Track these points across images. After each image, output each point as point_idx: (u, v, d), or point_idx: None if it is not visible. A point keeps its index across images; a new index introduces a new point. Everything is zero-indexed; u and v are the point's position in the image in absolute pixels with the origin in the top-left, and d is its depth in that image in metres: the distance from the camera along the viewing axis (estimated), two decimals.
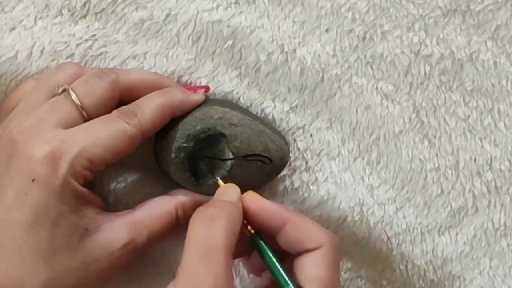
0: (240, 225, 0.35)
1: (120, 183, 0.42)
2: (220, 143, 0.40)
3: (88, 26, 0.42)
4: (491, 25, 0.44)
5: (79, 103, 0.37)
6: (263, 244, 0.36)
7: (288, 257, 0.36)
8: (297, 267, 0.35)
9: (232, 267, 0.34)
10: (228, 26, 0.43)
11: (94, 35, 0.42)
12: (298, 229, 0.36)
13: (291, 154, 0.44)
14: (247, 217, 0.36)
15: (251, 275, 0.43)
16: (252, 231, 0.37)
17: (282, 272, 0.35)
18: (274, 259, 0.36)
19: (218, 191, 0.38)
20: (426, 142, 0.45)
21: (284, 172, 0.44)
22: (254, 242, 0.37)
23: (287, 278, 0.35)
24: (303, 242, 0.35)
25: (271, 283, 0.39)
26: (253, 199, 0.37)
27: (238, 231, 0.35)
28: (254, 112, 0.44)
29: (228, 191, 0.37)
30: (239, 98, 0.43)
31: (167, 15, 0.42)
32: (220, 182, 0.39)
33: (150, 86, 0.40)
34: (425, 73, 0.44)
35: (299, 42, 0.43)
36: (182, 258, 0.33)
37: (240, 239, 0.34)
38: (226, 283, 0.32)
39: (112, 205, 0.42)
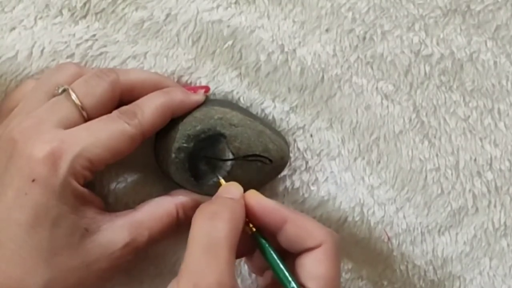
0: (242, 222, 0.35)
1: (120, 183, 0.42)
2: (220, 143, 0.40)
3: (88, 26, 0.42)
4: (491, 25, 0.44)
5: (79, 103, 0.37)
6: (265, 242, 0.36)
7: (289, 257, 0.36)
8: (298, 266, 0.36)
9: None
10: (228, 26, 0.43)
11: (94, 35, 0.42)
12: (298, 227, 0.36)
13: (291, 154, 0.44)
14: (248, 215, 0.36)
15: (253, 276, 0.43)
16: (254, 229, 0.37)
17: (284, 269, 0.35)
18: (275, 257, 0.36)
19: (220, 189, 0.38)
20: (426, 142, 0.45)
21: (284, 172, 0.44)
22: (256, 240, 0.37)
23: (288, 276, 0.35)
24: (303, 240, 0.35)
25: (273, 282, 0.39)
26: (254, 197, 0.37)
27: (241, 228, 0.35)
28: (254, 112, 0.44)
29: (230, 189, 0.37)
30: (239, 98, 0.43)
31: (167, 15, 0.42)
32: (222, 180, 0.39)
33: (150, 86, 0.40)
34: (425, 73, 0.44)
35: (299, 42, 0.43)
36: (185, 255, 0.33)
37: (243, 238, 0.34)
38: (229, 278, 0.32)
39: (112, 205, 0.42)
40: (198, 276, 0.32)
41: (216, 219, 0.34)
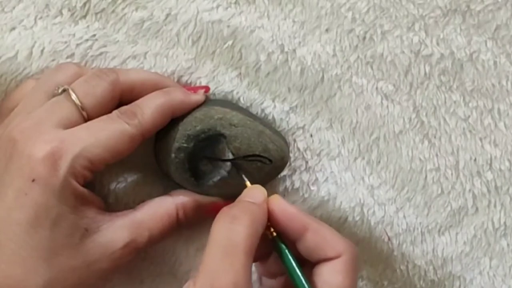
0: (263, 227, 0.36)
1: (120, 183, 0.42)
2: (220, 143, 0.40)
3: (88, 26, 0.42)
4: (491, 25, 0.44)
5: (79, 103, 0.37)
6: (285, 248, 0.37)
7: (306, 265, 0.37)
8: (316, 275, 0.36)
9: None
10: (228, 26, 0.43)
11: (94, 35, 0.42)
12: (319, 236, 0.36)
13: (291, 154, 0.44)
14: (270, 220, 0.37)
15: (254, 276, 0.43)
16: (275, 234, 0.37)
17: (301, 276, 0.36)
18: (294, 263, 0.36)
19: (244, 192, 0.38)
20: (426, 142, 0.45)
21: (284, 172, 0.44)
22: (275, 245, 0.37)
23: (305, 284, 0.35)
24: (323, 250, 0.36)
25: (284, 287, 0.39)
26: (277, 203, 0.37)
27: (261, 233, 0.35)
28: (254, 112, 0.44)
29: (254, 193, 0.37)
30: (239, 98, 0.43)
31: (167, 15, 0.42)
32: (247, 183, 0.39)
33: (150, 86, 0.40)
34: (425, 73, 0.44)
35: (299, 42, 0.43)
36: (204, 256, 0.33)
37: (260, 243, 0.35)
38: (245, 281, 0.32)
39: (112, 205, 0.42)
40: (214, 277, 0.32)
41: (235, 223, 0.34)
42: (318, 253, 0.36)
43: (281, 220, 0.36)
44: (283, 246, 0.37)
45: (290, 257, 0.36)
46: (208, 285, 0.32)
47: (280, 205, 0.37)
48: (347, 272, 0.35)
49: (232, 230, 0.34)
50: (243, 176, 0.39)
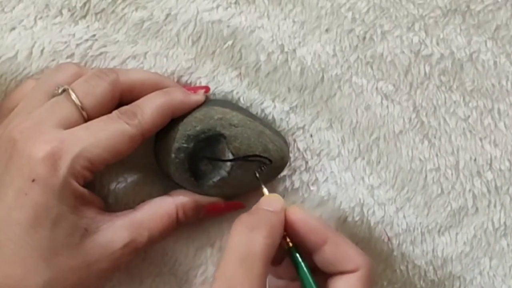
0: (280, 237, 0.36)
1: (120, 183, 0.42)
2: (220, 143, 0.40)
3: (88, 26, 0.42)
4: (491, 25, 0.44)
5: (79, 103, 0.37)
6: (300, 260, 0.36)
7: (320, 275, 0.36)
8: (330, 287, 0.36)
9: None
10: (228, 26, 0.43)
11: (94, 35, 0.42)
12: (337, 249, 0.36)
13: (291, 154, 0.44)
14: (287, 229, 0.36)
15: None
16: (291, 245, 0.37)
17: None
18: (309, 276, 0.36)
19: (262, 200, 0.38)
20: (426, 142, 0.45)
21: (284, 172, 0.44)
22: (291, 255, 0.37)
23: None
24: (340, 263, 0.36)
25: None
26: (297, 214, 0.37)
27: (278, 243, 0.35)
28: (254, 112, 0.44)
29: (272, 201, 0.37)
30: (239, 98, 0.43)
31: (167, 15, 0.42)
32: (265, 191, 0.39)
33: (150, 86, 0.40)
34: (425, 73, 0.44)
35: (299, 42, 0.43)
36: (221, 262, 0.34)
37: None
38: None
39: (112, 205, 0.42)
40: (231, 284, 0.32)
41: (255, 232, 0.34)
42: (335, 266, 0.36)
43: (302, 231, 0.36)
44: (299, 259, 0.37)
45: (305, 270, 0.36)
46: None
47: (300, 216, 0.37)
48: (362, 287, 0.35)
49: (251, 239, 0.34)
50: (262, 185, 0.39)
